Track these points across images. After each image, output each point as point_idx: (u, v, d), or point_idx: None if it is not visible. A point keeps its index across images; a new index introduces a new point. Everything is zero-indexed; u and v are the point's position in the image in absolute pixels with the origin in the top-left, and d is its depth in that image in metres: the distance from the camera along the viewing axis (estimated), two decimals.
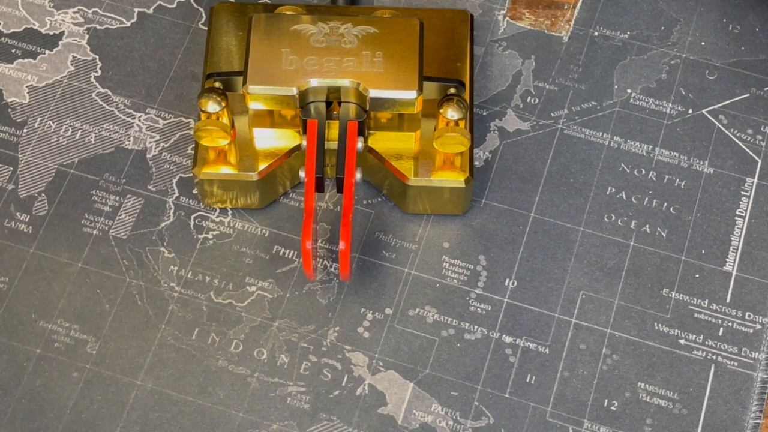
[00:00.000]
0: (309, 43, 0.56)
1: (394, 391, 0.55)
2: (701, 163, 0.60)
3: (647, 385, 0.55)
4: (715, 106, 0.61)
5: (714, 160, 0.60)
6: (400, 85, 0.55)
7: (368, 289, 0.57)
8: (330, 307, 0.57)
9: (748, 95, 0.62)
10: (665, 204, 0.59)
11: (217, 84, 0.57)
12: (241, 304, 0.57)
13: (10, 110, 0.61)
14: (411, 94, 0.55)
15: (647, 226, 0.59)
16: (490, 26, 0.63)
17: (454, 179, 0.57)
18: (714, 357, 0.56)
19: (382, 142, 0.58)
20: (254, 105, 0.56)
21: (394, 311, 0.57)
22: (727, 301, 0.57)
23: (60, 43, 0.63)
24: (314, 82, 0.55)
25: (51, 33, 0.63)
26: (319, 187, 0.55)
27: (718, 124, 0.61)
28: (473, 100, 0.60)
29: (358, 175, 0.55)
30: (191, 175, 0.59)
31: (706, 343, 0.56)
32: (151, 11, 0.64)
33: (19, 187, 0.59)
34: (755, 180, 0.60)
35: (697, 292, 0.57)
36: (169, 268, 0.57)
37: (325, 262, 0.58)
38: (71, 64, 0.62)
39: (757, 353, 0.56)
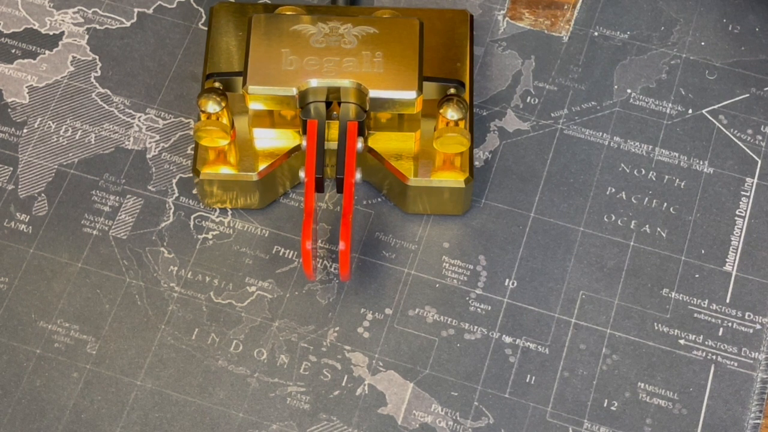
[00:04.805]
0: (309, 43, 0.56)
1: (394, 391, 0.55)
2: (701, 163, 0.60)
3: (647, 385, 0.55)
4: (715, 106, 0.61)
5: (714, 160, 0.60)
6: (400, 86, 0.55)
7: (368, 289, 0.57)
8: (330, 307, 0.57)
9: (748, 95, 0.62)
10: (665, 204, 0.59)
11: (217, 84, 0.57)
12: (241, 304, 0.57)
13: (10, 110, 0.61)
14: (411, 95, 0.55)
15: (647, 226, 0.59)
16: (490, 26, 0.63)
17: (454, 179, 0.57)
18: (714, 357, 0.56)
19: (382, 142, 0.58)
20: (254, 105, 0.56)
21: (394, 311, 0.57)
22: (727, 301, 0.57)
23: (60, 43, 0.63)
24: (314, 83, 0.55)
25: (51, 33, 0.63)
26: (319, 187, 0.55)
27: (718, 124, 0.61)
28: (473, 100, 0.60)
29: (358, 175, 0.55)
30: (191, 175, 0.59)
31: (706, 343, 0.56)
32: (151, 11, 0.64)
33: (19, 187, 0.59)
34: (755, 180, 0.60)
35: (697, 292, 0.57)
36: (169, 268, 0.57)
37: (325, 262, 0.58)
38: (71, 64, 0.62)
39: (757, 353, 0.56)
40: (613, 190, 0.59)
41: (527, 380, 0.55)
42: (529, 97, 0.62)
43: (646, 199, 0.59)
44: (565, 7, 0.64)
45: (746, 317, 0.57)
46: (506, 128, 0.61)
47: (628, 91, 0.62)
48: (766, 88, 0.62)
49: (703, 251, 0.58)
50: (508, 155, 0.60)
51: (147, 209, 0.59)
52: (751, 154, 0.60)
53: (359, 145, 0.56)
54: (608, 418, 0.54)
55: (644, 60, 0.63)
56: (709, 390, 0.55)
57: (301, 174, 0.55)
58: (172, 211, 0.59)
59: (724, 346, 0.56)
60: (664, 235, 0.58)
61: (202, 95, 0.55)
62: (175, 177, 0.59)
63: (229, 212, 0.59)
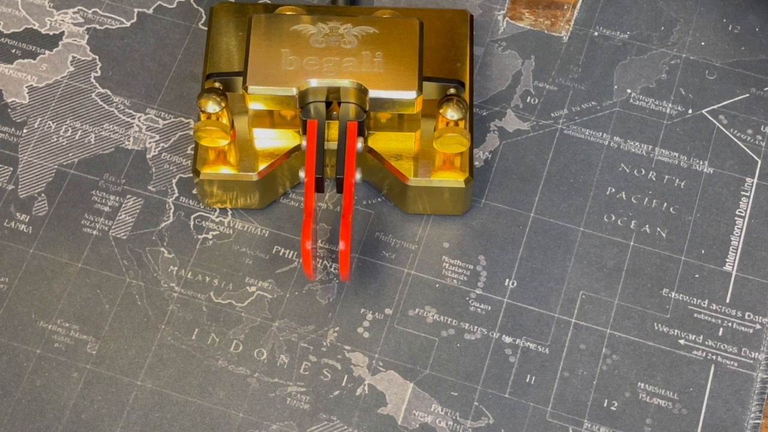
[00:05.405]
0: (309, 43, 0.56)
1: (394, 391, 0.55)
2: (701, 163, 0.60)
3: (647, 385, 0.55)
4: (715, 106, 0.61)
5: (714, 160, 0.60)
6: (400, 86, 0.55)
7: (368, 289, 0.57)
8: (330, 307, 0.57)
9: (748, 95, 0.62)
10: (665, 204, 0.59)
11: (217, 84, 0.57)
12: (241, 305, 0.57)
13: (10, 110, 0.61)
14: (411, 95, 0.55)
15: (647, 226, 0.59)
16: (490, 26, 0.63)
17: (454, 179, 0.57)
18: (714, 357, 0.56)
19: (382, 142, 0.58)
20: (254, 105, 0.56)
21: (394, 311, 0.57)
22: (727, 301, 0.57)
23: (60, 43, 0.63)
24: (314, 83, 0.55)
25: (51, 33, 0.63)
26: (319, 188, 0.55)
27: (718, 124, 0.61)
28: (473, 100, 0.60)
29: (358, 176, 0.55)
30: (191, 175, 0.59)
31: (706, 343, 0.56)
32: (151, 11, 0.64)
33: (19, 187, 0.59)
34: (755, 180, 0.60)
35: (697, 292, 0.57)
36: (169, 268, 0.57)
37: (325, 262, 0.58)
38: (71, 65, 0.62)
39: (757, 353, 0.56)
40: (613, 190, 0.59)
41: (527, 380, 0.55)
42: (529, 97, 0.62)
43: (646, 199, 0.59)
44: (565, 7, 0.64)
45: (746, 317, 0.57)
46: (506, 128, 0.61)
47: (628, 91, 0.62)
48: (766, 88, 0.62)
49: (703, 251, 0.58)
50: (508, 155, 0.60)
51: (147, 209, 0.59)
52: (751, 154, 0.60)
53: (359, 145, 0.56)
54: (608, 418, 0.54)
55: (644, 60, 0.63)
56: (709, 390, 0.55)
57: (301, 174, 0.55)
58: (172, 211, 0.59)
59: (724, 346, 0.56)
60: (664, 235, 0.58)
61: (202, 95, 0.55)
62: (175, 177, 0.60)
63: (229, 212, 0.59)
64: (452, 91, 0.57)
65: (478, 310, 0.57)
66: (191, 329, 0.56)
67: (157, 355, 0.55)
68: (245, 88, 0.55)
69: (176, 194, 0.59)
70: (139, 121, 0.61)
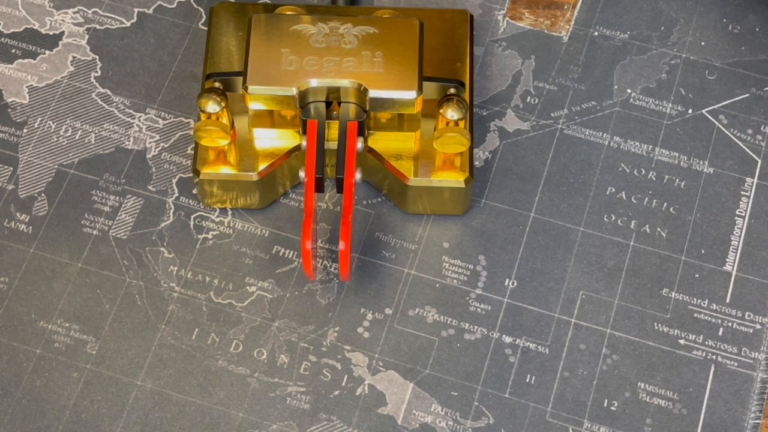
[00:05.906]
0: (309, 43, 0.56)
1: (394, 391, 0.55)
2: (701, 163, 0.60)
3: (647, 385, 0.55)
4: (715, 106, 0.61)
5: (714, 160, 0.60)
6: (400, 85, 0.55)
7: (368, 289, 0.57)
8: (330, 307, 0.57)
9: (748, 95, 0.62)
10: (665, 204, 0.59)
11: (217, 84, 0.57)
12: (241, 304, 0.57)
13: (10, 110, 0.61)
14: (411, 95, 0.55)
15: (647, 226, 0.59)
16: (490, 26, 0.63)
17: (454, 179, 0.57)
18: (714, 357, 0.56)
19: (382, 142, 0.58)
20: (254, 105, 0.56)
21: (394, 311, 0.57)
22: (727, 301, 0.57)
23: (60, 43, 0.63)
24: (314, 83, 0.55)
25: (51, 33, 0.63)
26: (319, 187, 0.55)
27: (718, 124, 0.61)
28: (473, 100, 0.60)
29: (358, 175, 0.55)
30: (191, 175, 0.59)
31: (706, 343, 0.56)
32: (151, 11, 0.64)
33: (19, 187, 0.59)
34: (755, 180, 0.60)
35: (697, 292, 0.57)
36: (169, 268, 0.57)
37: (325, 262, 0.58)
38: (71, 64, 0.62)
39: (757, 353, 0.56)
40: (613, 190, 0.59)
41: (527, 380, 0.55)
42: (529, 97, 0.62)
43: (646, 199, 0.59)
44: (565, 7, 0.64)
45: (746, 317, 0.57)
46: (506, 128, 0.61)
47: (628, 91, 0.62)
48: (766, 88, 0.62)
49: (703, 251, 0.58)
50: (508, 155, 0.60)
51: (147, 209, 0.59)
52: (751, 154, 0.60)
53: (359, 145, 0.56)
54: (608, 418, 0.54)
55: (644, 60, 0.63)
56: (709, 390, 0.55)
57: (301, 174, 0.55)
58: (172, 211, 0.59)
59: (724, 346, 0.56)
60: (664, 235, 0.58)
61: (202, 95, 0.55)
62: (175, 177, 0.60)
63: (229, 212, 0.59)
64: (452, 91, 0.57)
65: (478, 310, 0.57)
66: (191, 329, 0.56)
67: (157, 355, 0.55)
68: (245, 88, 0.55)
69: (176, 194, 0.59)
70: (139, 121, 0.61)
